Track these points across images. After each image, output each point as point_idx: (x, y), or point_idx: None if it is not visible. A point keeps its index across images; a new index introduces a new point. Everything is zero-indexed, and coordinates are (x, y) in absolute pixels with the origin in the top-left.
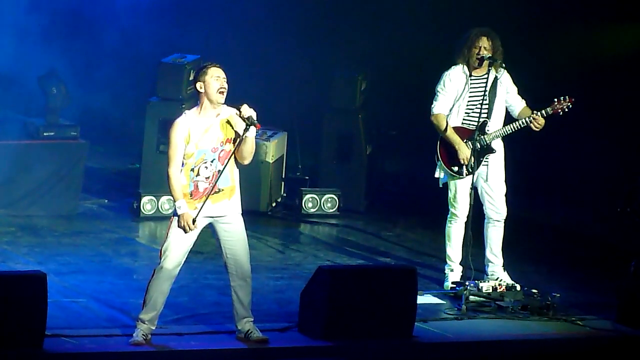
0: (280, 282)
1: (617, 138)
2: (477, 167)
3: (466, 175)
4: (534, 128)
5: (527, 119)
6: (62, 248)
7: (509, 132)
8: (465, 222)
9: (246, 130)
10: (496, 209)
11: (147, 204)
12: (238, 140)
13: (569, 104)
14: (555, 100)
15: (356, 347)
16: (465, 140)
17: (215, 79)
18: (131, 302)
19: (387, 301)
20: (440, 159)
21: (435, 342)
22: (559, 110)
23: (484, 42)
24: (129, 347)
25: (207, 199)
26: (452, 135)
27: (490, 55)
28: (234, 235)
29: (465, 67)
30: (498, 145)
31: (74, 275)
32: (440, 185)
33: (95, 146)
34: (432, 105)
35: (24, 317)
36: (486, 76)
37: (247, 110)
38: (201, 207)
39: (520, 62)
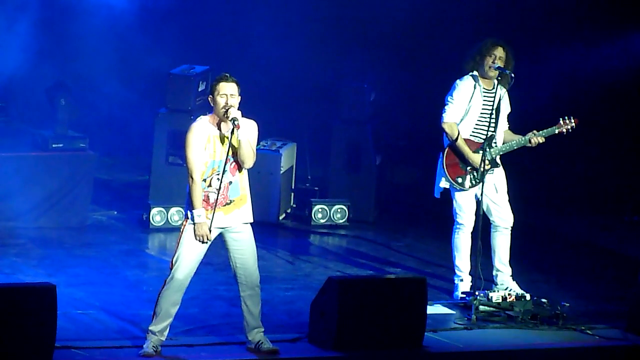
0: (290, 293)
1: (626, 148)
2: (482, 179)
3: (469, 187)
4: (532, 145)
5: (531, 137)
6: (71, 260)
7: (514, 148)
8: (474, 232)
9: (232, 132)
10: (503, 217)
11: (156, 216)
12: (227, 142)
13: (574, 124)
14: (561, 120)
15: (366, 358)
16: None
17: (221, 96)
18: (141, 314)
19: (397, 311)
20: (445, 169)
21: (445, 352)
22: (564, 130)
23: (499, 52)
24: (139, 358)
25: (215, 210)
26: (462, 145)
27: (502, 66)
28: (244, 244)
29: (477, 78)
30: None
31: (84, 286)
32: (437, 196)
33: (104, 158)
34: (443, 114)
35: (34, 329)
36: (494, 90)
37: (233, 112)
38: (212, 219)
39: (522, 75)
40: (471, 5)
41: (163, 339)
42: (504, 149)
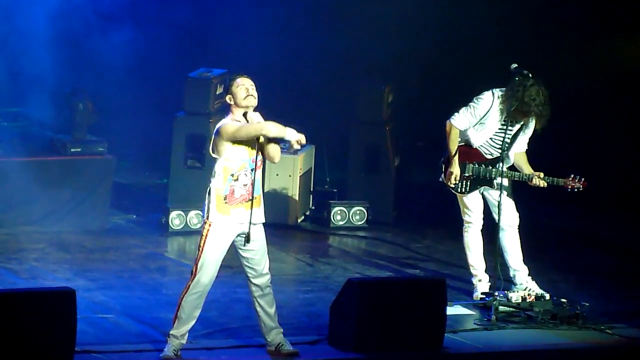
0: (310, 295)
1: None
2: (471, 192)
3: (458, 192)
4: (531, 184)
5: (535, 177)
6: (90, 264)
7: (515, 178)
8: (482, 231)
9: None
10: (507, 215)
11: (175, 219)
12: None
13: (581, 186)
14: (572, 176)
15: (386, 359)
16: (474, 163)
17: (240, 88)
18: (161, 317)
19: (417, 312)
20: (444, 169)
21: (465, 353)
22: (569, 187)
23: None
24: None
25: (252, 205)
26: (453, 152)
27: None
28: (256, 245)
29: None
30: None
31: (103, 290)
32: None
33: (122, 161)
34: (456, 114)
35: (54, 334)
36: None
37: (254, 116)
38: (251, 214)
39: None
40: (496, 5)
41: (184, 342)
42: (506, 174)
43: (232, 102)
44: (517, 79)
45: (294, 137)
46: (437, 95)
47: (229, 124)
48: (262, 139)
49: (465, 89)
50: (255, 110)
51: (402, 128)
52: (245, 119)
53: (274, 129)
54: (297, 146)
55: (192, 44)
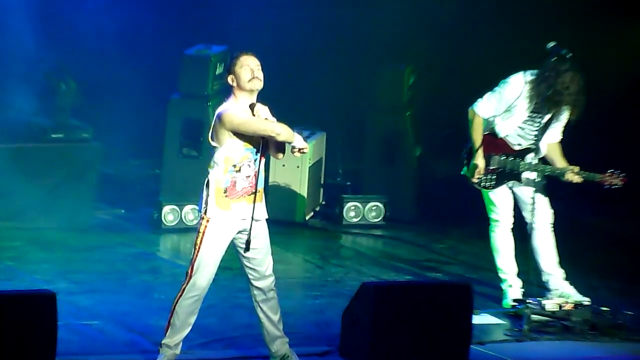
0: (319, 301)
1: None
2: (496, 187)
3: (479, 185)
4: (564, 179)
5: (569, 171)
6: (73, 264)
7: (545, 173)
8: (512, 230)
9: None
10: (540, 213)
11: (169, 214)
12: (270, 144)
13: (620, 183)
14: (610, 171)
15: None
16: (500, 155)
17: (244, 69)
18: (152, 325)
19: (439, 321)
20: (466, 161)
21: None
22: (606, 183)
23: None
24: None
25: (255, 199)
26: (477, 143)
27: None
28: (258, 243)
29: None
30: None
31: (88, 294)
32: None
33: (109, 149)
34: (479, 100)
35: (32, 342)
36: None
37: (262, 111)
38: (254, 208)
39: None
40: None
41: (177, 352)
42: (536, 168)
43: (234, 84)
44: (552, 60)
45: (300, 144)
46: (464, 77)
47: (234, 112)
48: None
49: (496, 71)
50: (259, 94)
51: (425, 113)
52: (252, 112)
53: (285, 133)
54: (297, 154)
55: (189, 17)
